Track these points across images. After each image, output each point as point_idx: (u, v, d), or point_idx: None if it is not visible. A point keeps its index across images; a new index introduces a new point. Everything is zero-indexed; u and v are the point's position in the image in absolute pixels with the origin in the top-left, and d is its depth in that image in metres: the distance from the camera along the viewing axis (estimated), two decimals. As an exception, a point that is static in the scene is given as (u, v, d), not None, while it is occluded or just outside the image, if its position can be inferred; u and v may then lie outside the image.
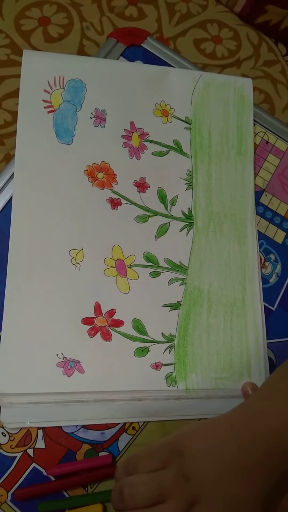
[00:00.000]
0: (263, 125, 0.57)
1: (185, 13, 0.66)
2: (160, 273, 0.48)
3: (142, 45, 0.56)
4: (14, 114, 0.57)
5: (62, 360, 0.43)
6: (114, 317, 0.45)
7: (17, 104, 0.48)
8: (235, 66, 0.66)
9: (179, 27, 0.65)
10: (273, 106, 0.65)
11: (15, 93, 0.58)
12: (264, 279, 0.51)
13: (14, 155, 0.47)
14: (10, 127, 0.57)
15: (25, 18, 0.61)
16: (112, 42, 0.55)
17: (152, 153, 0.51)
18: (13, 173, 0.47)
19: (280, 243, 0.53)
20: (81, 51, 0.61)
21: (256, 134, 0.56)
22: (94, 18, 0.63)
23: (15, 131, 0.47)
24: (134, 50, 0.55)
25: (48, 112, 0.48)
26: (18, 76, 0.48)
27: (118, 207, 0.48)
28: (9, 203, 0.47)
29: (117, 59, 0.54)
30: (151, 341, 0.46)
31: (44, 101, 0.48)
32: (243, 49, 0.67)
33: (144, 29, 0.57)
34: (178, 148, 0.52)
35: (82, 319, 0.44)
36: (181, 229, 0.50)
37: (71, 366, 0.43)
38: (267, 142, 0.57)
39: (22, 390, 0.41)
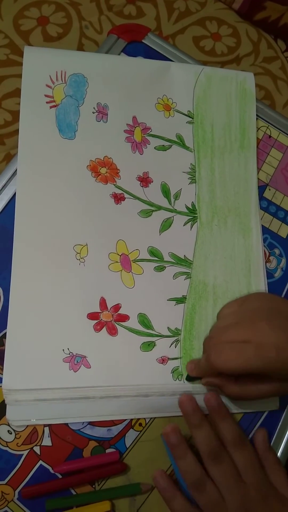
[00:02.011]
0: (265, 120, 0.57)
1: (184, 10, 0.66)
2: (165, 267, 0.48)
3: (143, 41, 0.56)
4: (14, 114, 0.57)
5: (68, 355, 0.42)
6: (119, 312, 0.45)
7: (17, 103, 0.48)
8: (234, 62, 0.66)
9: (178, 25, 0.66)
10: (273, 102, 0.65)
11: (15, 93, 0.58)
12: (269, 274, 0.51)
13: (15, 154, 0.47)
14: (10, 126, 0.57)
15: (24, 18, 0.61)
16: (113, 38, 0.55)
17: (154, 148, 0.51)
18: (16, 170, 0.47)
19: (285, 237, 0.53)
20: (80, 50, 0.61)
21: (259, 128, 0.56)
22: (93, 17, 0.63)
23: (16, 130, 0.47)
24: (135, 46, 0.56)
25: (51, 107, 0.48)
26: (18, 75, 0.48)
27: (122, 202, 0.48)
28: (12, 200, 0.46)
29: (118, 55, 0.54)
30: (157, 336, 0.45)
31: (46, 96, 0.48)
32: (243, 45, 0.67)
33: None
34: (180, 142, 0.52)
35: (88, 314, 0.44)
36: (185, 223, 0.49)
37: (77, 361, 0.42)
38: (270, 136, 0.57)
39: (28, 385, 0.41)
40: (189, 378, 0.45)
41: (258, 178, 0.54)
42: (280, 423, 0.47)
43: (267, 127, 0.57)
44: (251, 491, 0.38)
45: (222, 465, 0.39)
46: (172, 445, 0.41)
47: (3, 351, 0.42)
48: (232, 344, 0.38)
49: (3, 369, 0.41)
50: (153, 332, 0.45)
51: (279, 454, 0.46)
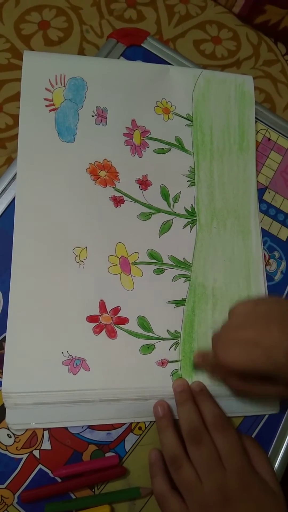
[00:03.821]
0: (265, 123, 0.57)
1: (184, 14, 0.67)
2: (164, 270, 0.47)
3: (142, 45, 0.56)
4: (15, 118, 0.57)
5: (68, 358, 0.42)
6: (119, 315, 0.45)
7: (18, 107, 0.48)
8: (235, 66, 0.66)
9: (179, 29, 0.66)
10: (273, 105, 0.65)
11: (16, 97, 0.58)
12: (269, 277, 0.51)
13: (16, 158, 0.47)
14: (12, 130, 0.57)
15: (25, 23, 0.61)
16: (112, 42, 0.55)
17: (154, 151, 0.51)
18: (16, 174, 0.47)
19: (284, 240, 0.53)
20: (81, 54, 0.61)
21: (258, 131, 0.56)
22: (94, 21, 0.63)
23: (17, 134, 0.47)
24: (134, 50, 0.56)
25: (50, 110, 0.48)
26: (19, 80, 0.48)
27: (121, 204, 0.48)
28: (11, 204, 0.47)
29: (118, 59, 0.54)
30: (156, 338, 0.45)
31: (45, 99, 0.48)
32: (243, 49, 0.67)
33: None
34: (179, 145, 0.52)
35: (87, 317, 0.44)
36: (184, 226, 0.49)
37: (76, 364, 0.42)
38: (269, 139, 0.57)
39: (28, 389, 0.41)
40: (195, 367, 0.45)
41: (258, 181, 0.54)
42: (280, 427, 0.47)
43: (267, 130, 0.57)
44: (231, 477, 0.38)
45: (201, 447, 0.39)
46: (157, 417, 0.43)
47: (3, 354, 0.42)
48: (241, 343, 0.38)
49: (2, 372, 0.41)
50: (153, 335, 0.45)
51: (279, 457, 0.45)
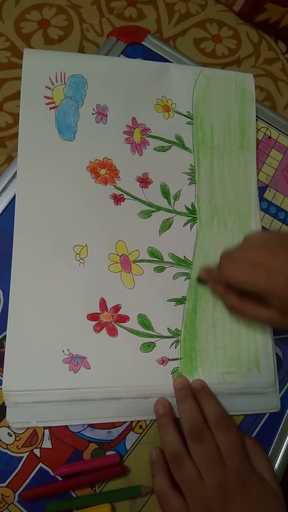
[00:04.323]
0: (265, 121, 0.57)
1: (185, 13, 0.67)
2: (165, 268, 0.47)
3: (142, 43, 0.56)
4: (16, 116, 0.57)
5: (68, 356, 0.42)
6: (119, 313, 0.45)
7: (18, 106, 0.48)
8: (235, 64, 0.66)
9: (179, 27, 0.66)
10: (274, 103, 0.65)
11: (16, 96, 0.58)
12: (270, 275, 0.51)
13: (16, 156, 0.47)
14: (12, 129, 0.57)
15: (25, 21, 0.62)
16: (113, 40, 0.55)
17: (154, 149, 0.51)
18: (16, 173, 0.47)
19: (285, 238, 0.53)
20: (81, 53, 0.61)
21: (259, 129, 0.56)
22: (94, 20, 0.64)
23: (17, 133, 0.47)
24: (135, 48, 0.56)
25: (50, 108, 0.48)
26: (19, 78, 0.48)
27: (121, 202, 0.48)
28: (12, 202, 0.47)
29: (118, 57, 0.54)
30: (157, 336, 0.45)
31: (45, 97, 0.48)
32: (243, 47, 0.67)
33: (144, 28, 0.58)
34: (180, 143, 0.52)
35: (88, 315, 0.44)
36: (185, 224, 0.49)
37: (77, 362, 0.42)
38: (270, 137, 0.57)
39: (28, 387, 0.41)
40: (199, 280, 0.47)
41: (258, 179, 0.54)
42: (280, 426, 0.47)
43: (267, 128, 0.57)
44: (232, 474, 0.38)
45: (203, 444, 0.40)
46: (158, 415, 0.43)
47: (3, 353, 0.42)
48: (247, 262, 0.40)
49: (3, 371, 0.41)
50: (153, 333, 0.45)
51: (280, 455, 0.45)
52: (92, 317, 0.44)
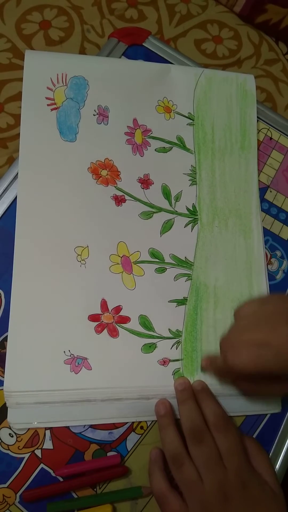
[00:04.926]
0: (266, 122, 0.57)
1: (185, 14, 0.67)
2: (166, 269, 0.47)
3: (143, 44, 0.56)
4: (17, 117, 0.57)
5: (70, 357, 0.42)
6: (120, 314, 0.45)
7: (19, 107, 0.48)
8: (236, 65, 0.66)
9: (180, 28, 0.66)
10: (275, 104, 0.65)
11: (17, 97, 0.58)
12: (271, 276, 0.51)
13: (18, 157, 0.47)
14: (13, 130, 0.57)
15: (26, 22, 0.61)
16: (114, 42, 0.55)
17: (155, 150, 0.51)
18: (17, 174, 0.47)
19: (286, 239, 0.53)
20: (82, 54, 0.61)
21: (260, 130, 0.56)
22: (95, 21, 0.63)
23: (18, 134, 0.47)
24: (136, 50, 0.56)
25: (52, 109, 0.48)
26: (20, 79, 0.48)
27: (123, 203, 0.48)
28: (13, 203, 0.47)
29: (119, 58, 0.54)
30: (158, 337, 0.45)
31: (47, 98, 0.48)
32: (244, 48, 0.67)
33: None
34: (181, 144, 0.52)
35: (89, 316, 0.44)
36: (186, 225, 0.49)
37: (78, 363, 0.42)
38: (271, 138, 0.57)
39: (29, 388, 0.41)
40: (203, 370, 0.46)
41: (260, 180, 0.54)
42: (282, 427, 0.47)
43: (268, 129, 0.57)
44: (231, 476, 0.38)
45: (203, 445, 0.39)
46: (158, 415, 0.43)
47: (5, 353, 0.42)
48: (250, 346, 0.38)
49: (4, 371, 0.41)
50: (154, 334, 0.45)
51: (281, 456, 0.45)
52: (93, 318, 0.44)
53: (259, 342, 0.37)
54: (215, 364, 0.44)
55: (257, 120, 0.55)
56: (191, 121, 0.53)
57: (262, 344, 0.37)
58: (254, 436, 0.46)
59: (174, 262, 0.48)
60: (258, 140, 0.55)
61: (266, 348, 0.37)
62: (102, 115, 0.50)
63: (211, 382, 0.45)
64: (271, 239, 0.53)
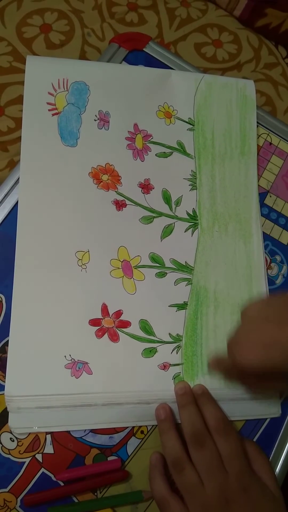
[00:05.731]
0: (266, 127, 0.57)
1: (185, 17, 0.67)
2: (166, 273, 0.48)
3: (144, 49, 0.56)
4: (17, 121, 0.57)
5: (70, 361, 0.42)
6: (121, 318, 0.45)
7: (20, 110, 0.48)
8: (236, 69, 0.66)
9: (180, 32, 0.66)
10: (274, 108, 0.65)
11: (18, 100, 0.58)
12: (270, 281, 0.51)
13: (18, 161, 0.47)
14: (14, 133, 0.57)
15: (27, 26, 0.62)
16: (114, 47, 0.55)
17: (156, 155, 0.51)
18: (18, 179, 0.47)
19: (286, 244, 0.53)
20: (83, 58, 0.61)
21: (259, 135, 0.56)
22: (95, 25, 0.64)
23: (19, 137, 0.48)
24: (136, 55, 0.56)
25: (53, 114, 0.48)
26: (21, 83, 0.48)
27: (123, 208, 0.48)
28: (14, 208, 0.47)
29: (120, 63, 0.55)
30: (158, 342, 0.45)
31: (48, 103, 0.48)
32: (244, 52, 0.67)
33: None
34: (181, 149, 0.52)
35: (90, 320, 0.44)
36: (186, 230, 0.50)
37: (79, 368, 0.42)
38: (271, 143, 0.57)
39: (30, 392, 0.41)
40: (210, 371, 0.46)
41: (259, 185, 0.54)
42: (281, 431, 0.47)
43: (268, 134, 0.57)
44: (233, 480, 0.38)
45: (204, 450, 0.40)
46: (159, 420, 0.43)
47: (6, 358, 0.42)
48: (258, 345, 0.38)
49: (5, 376, 0.41)
50: (155, 338, 0.45)
51: (281, 460, 0.46)
52: (94, 322, 0.44)
53: (267, 341, 0.38)
54: (222, 364, 0.44)
55: (257, 125, 0.56)
56: (192, 126, 0.53)
57: (270, 343, 0.37)
58: (254, 440, 0.46)
59: (175, 267, 0.48)
60: (258, 145, 0.55)
61: (274, 346, 0.37)
62: (103, 120, 0.50)
63: (212, 386, 0.45)
64: (270, 244, 0.53)
